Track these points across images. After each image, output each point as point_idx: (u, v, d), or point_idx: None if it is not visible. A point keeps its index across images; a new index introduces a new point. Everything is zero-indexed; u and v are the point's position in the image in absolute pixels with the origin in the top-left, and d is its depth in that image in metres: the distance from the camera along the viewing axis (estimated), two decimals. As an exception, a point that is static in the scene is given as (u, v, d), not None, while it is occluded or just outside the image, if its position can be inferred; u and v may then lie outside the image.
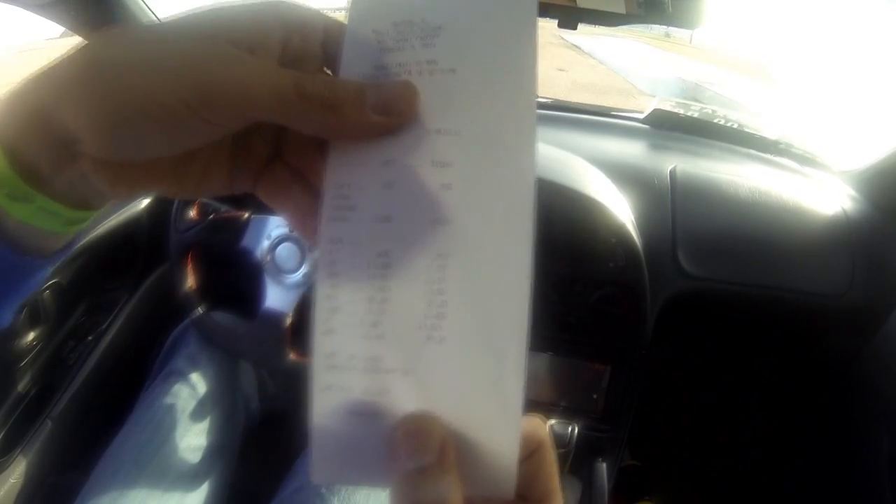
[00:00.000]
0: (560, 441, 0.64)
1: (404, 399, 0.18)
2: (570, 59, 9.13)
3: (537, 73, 0.19)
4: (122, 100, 0.17)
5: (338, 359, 0.19)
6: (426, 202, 0.19)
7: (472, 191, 0.19)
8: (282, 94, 0.18)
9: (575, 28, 0.70)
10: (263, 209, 0.71)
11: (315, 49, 0.21)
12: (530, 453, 0.20)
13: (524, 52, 0.19)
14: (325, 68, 0.22)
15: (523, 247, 0.18)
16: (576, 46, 11.11)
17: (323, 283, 0.20)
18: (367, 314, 0.19)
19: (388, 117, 0.19)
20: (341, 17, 0.22)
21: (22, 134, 0.18)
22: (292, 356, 0.69)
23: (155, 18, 0.85)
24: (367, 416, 0.19)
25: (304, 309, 0.68)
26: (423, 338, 0.18)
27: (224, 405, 0.68)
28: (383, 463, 0.18)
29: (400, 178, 0.19)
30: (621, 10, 0.65)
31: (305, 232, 0.22)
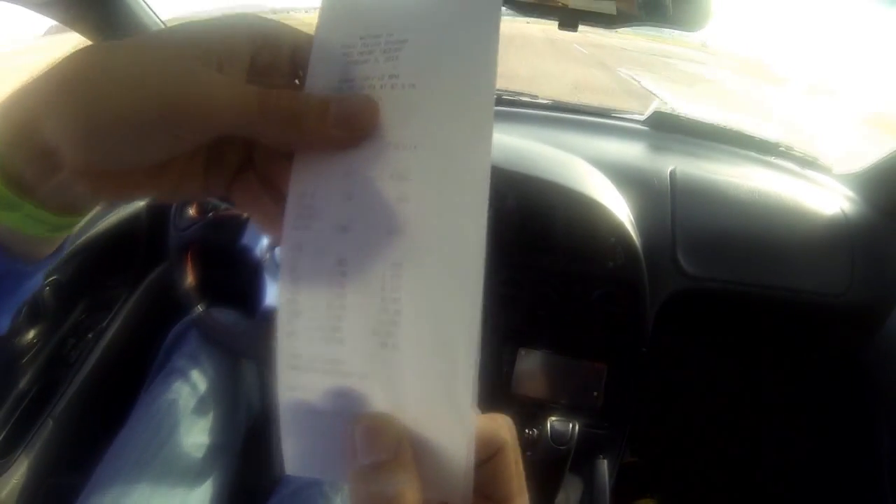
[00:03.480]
0: (560, 439, 0.65)
1: (363, 401, 0.19)
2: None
3: (494, 92, 0.19)
4: (96, 114, 0.18)
5: (301, 360, 0.20)
6: (383, 213, 0.19)
7: (426, 204, 0.19)
8: (245, 109, 0.19)
9: (575, 29, 0.70)
10: None
11: (284, 62, 0.22)
12: (492, 455, 0.20)
13: (484, 69, 0.19)
14: (296, 80, 0.22)
15: (475, 258, 0.18)
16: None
17: (285, 288, 0.20)
18: (327, 319, 0.20)
19: (348, 132, 0.20)
20: (306, 18, 0.22)
21: (8, 145, 0.19)
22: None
23: (155, 17, 0.85)
24: (330, 415, 0.19)
25: None
26: (378, 344, 0.19)
27: (226, 403, 0.68)
28: (345, 459, 0.19)
29: (359, 189, 0.20)
30: (622, 11, 0.65)
31: (273, 237, 0.22)
